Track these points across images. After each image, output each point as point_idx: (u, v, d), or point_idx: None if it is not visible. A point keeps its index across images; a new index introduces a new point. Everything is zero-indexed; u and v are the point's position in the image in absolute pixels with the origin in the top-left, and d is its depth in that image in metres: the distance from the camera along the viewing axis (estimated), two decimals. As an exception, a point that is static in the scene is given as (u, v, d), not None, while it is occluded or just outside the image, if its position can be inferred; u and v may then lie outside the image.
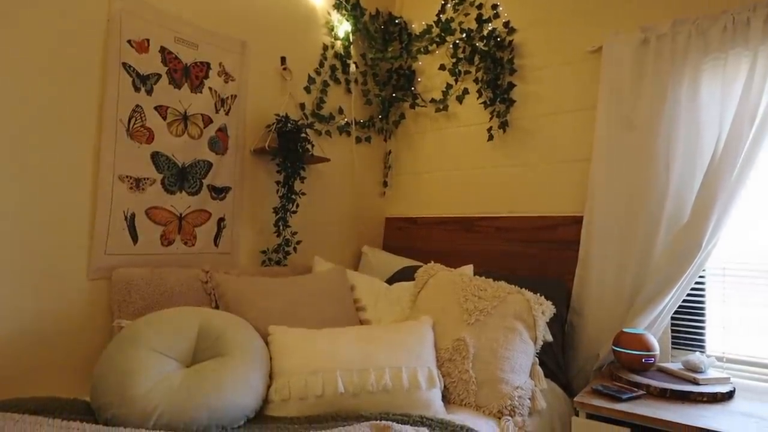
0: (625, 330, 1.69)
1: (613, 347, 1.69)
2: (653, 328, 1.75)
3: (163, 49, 1.74)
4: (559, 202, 2.13)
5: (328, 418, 1.29)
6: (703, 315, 1.82)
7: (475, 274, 1.91)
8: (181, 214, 1.79)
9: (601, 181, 1.93)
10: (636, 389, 1.49)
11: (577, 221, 2.03)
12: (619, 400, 1.42)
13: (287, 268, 2.09)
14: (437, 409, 1.38)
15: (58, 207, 1.50)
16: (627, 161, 1.88)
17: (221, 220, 1.94)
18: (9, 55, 1.39)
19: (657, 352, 1.63)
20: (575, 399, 1.45)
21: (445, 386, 1.50)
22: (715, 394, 1.45)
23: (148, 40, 1.70)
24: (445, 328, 1.61)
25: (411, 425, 1.22)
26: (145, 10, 1.69)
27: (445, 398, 1.49)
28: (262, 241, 2.12)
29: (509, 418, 1.39)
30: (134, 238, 1.65)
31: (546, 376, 1.74)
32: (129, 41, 1.65)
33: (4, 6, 1.38)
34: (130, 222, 1.64)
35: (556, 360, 1.85)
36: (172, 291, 1.62)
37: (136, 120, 1.66)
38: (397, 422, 1.23)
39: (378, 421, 1.20)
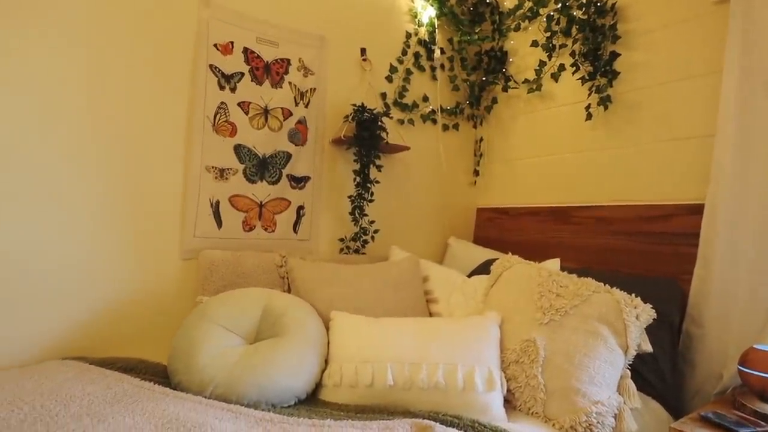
0: (756, 347, 1.33)
1: (739, 367, 1.34)
2: (802, 347, 1.36)
3: (245, 50, 1.87)
4: (672, 188, 1.78)
5: (375, 410, 1.24)
6: None
7: (570, 271, 1.67)
8: (261, 202, 1.91)
9: (729, 161, 1.55)
10: (764, 423, 1.17)
11: (697, 210, 1.67)
12: (734, 433, 1.13)
13: (365, 257, 2.10)
14: (495, 414, 1.25)
15: (156, 194, 1.70)
16: (765, 134, 1.48)
17: (300, 208, 2.02)
18: (115, 63, 1.62)
19: (803, 378, 1.26)
20: (672, 425, 1.18)
21: (509, 390, 1.35)
22: None
23: (232, 43, 1.84)
24: (514, 326, 1.45)
25: (458, 429, 1.12)
26: (229, 15, 1.83)
27: (510, 404, 1.34)
28: (341, 229, 2.16)
29: (583, 436, 1.19)
30: (219, 223, 1.81)
31: (648, 394, 1.48)
32: (215, 45, 1.80)
33: (109, 19, 1.61)
34: (215, 208, 1.80)
35: (663, 376, 1.54)
36: (249, 273, 1.73)
37: (220, 116, 1.81)
38: (445, 424, 1.13)
39: (421, 420, 1.12)
